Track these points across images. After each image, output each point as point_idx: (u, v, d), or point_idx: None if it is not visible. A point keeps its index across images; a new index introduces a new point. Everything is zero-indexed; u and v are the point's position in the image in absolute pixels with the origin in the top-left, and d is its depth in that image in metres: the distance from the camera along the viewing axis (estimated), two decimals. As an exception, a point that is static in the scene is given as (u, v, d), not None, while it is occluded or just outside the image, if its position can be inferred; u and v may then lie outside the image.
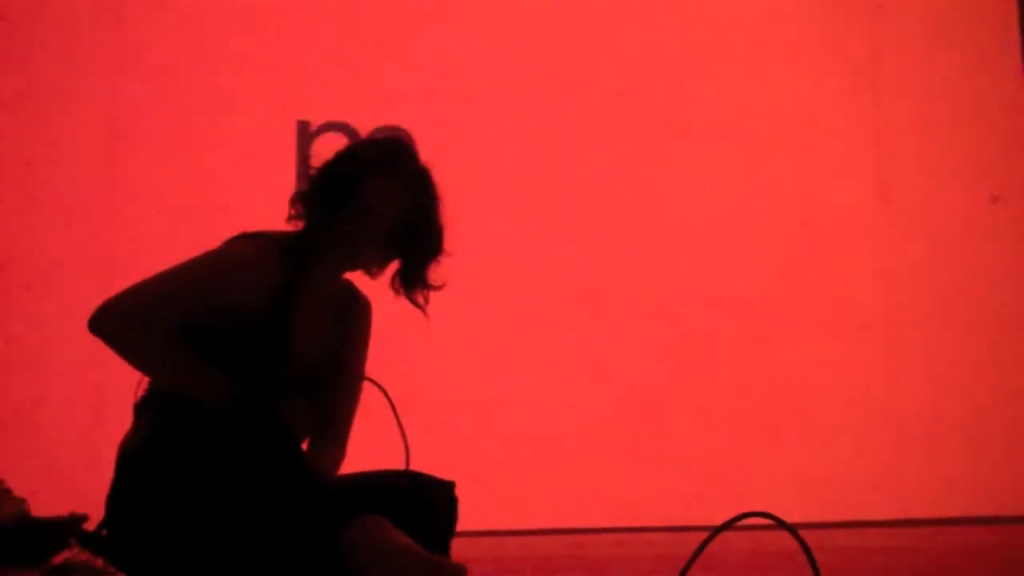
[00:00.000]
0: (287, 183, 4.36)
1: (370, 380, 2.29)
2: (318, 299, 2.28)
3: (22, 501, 2.89)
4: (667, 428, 4.69)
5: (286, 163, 4.67)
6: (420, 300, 2.29)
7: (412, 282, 2.27)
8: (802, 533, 2.09)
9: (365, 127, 4.70)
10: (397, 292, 2.29)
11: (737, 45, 5.05)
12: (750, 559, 3.26)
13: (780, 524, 2.07)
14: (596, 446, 4.61)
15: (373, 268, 2.27)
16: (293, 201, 2.26)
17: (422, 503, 2.11)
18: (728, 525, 2.11)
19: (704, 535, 2.15)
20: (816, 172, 4.99)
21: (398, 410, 2.23)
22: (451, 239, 2.30)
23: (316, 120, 4.73)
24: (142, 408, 2.16)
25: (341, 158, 2.26)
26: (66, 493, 2.48)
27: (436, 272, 2.28)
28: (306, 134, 4.71)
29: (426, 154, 2.28)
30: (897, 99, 5.06)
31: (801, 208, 4.96)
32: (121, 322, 2.06)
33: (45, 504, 2.85)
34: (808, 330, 4.87)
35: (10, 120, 4.56)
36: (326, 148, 2.28)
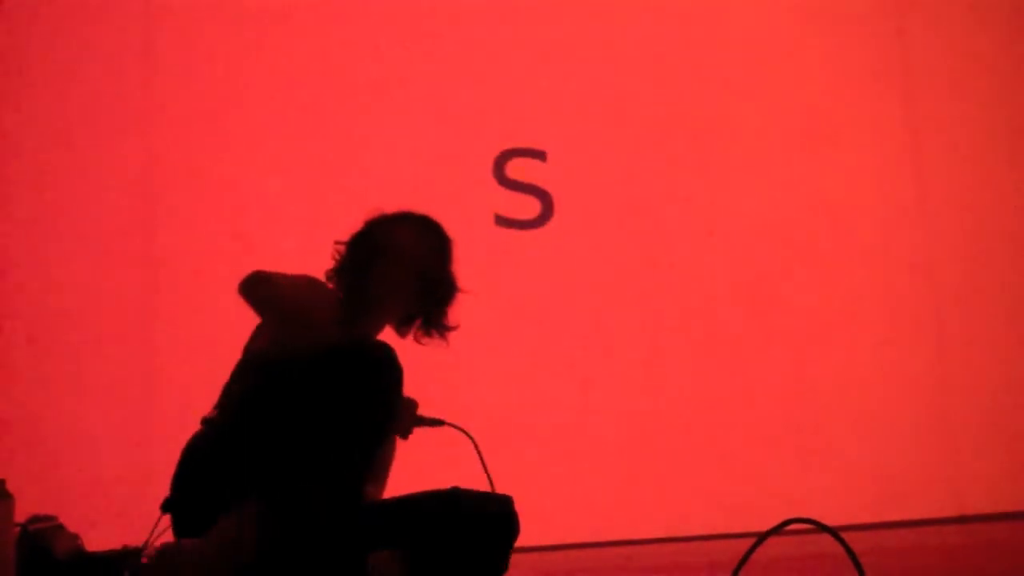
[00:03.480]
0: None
1: (456, 427, 2.36)
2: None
3: (76, 536, 2.94)
4: (711, 433, 4.68)
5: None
6: (442, 339, 2.49)
7: (433, 327, 2.46)
8: (855, 535, 2.09)
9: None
10: (419, 340, 2.48)
11: (766, 45, 5.05)
12: (798, 564, 3.24)
13: (822, 528, 2.07)
14: (636, 456, 4.61)
15: (406, 318, 2.46)
16: (329, 276, 2.45)
17: (482, 519, 2.20)
18: (772, 532, 2.12)
19: (751, 542, 2.16)
20: (852, 171, 4.97)
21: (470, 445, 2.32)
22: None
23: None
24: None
25: (364, 229, 2.48)
26: (119, 528, 2.52)
27: (452, 314, 2.48)
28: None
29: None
30: (930, 90, 5.03)
31: (840, 208, 4.94)
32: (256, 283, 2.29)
33: (99, 539, 2.89)
34: (853, 331, 4.84)
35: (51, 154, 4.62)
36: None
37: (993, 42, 5.09)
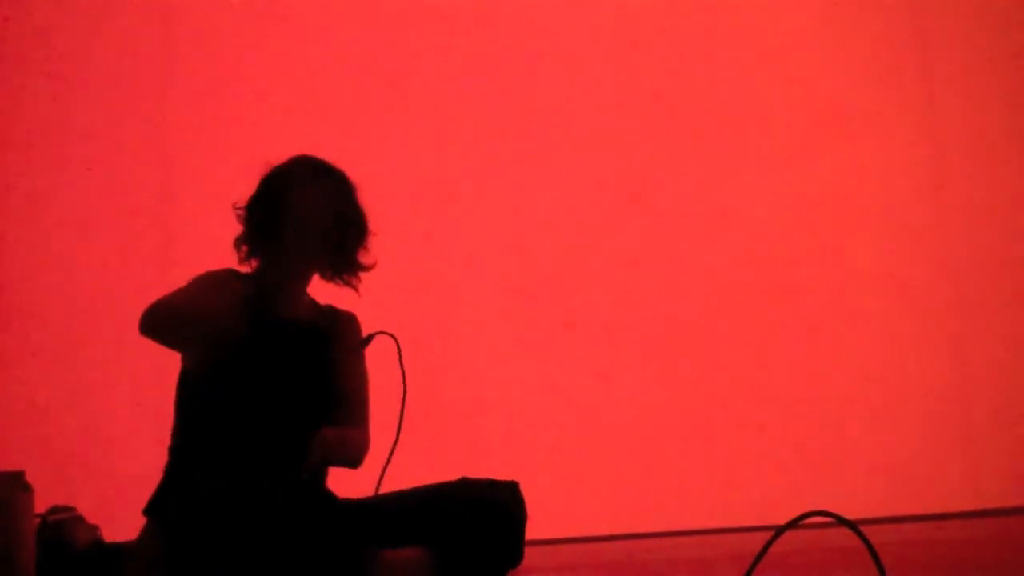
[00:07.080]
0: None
1: (387, 334, 2.35)
2: (293, 325, 2.42)
3: (95, 528, 2.95)
4: (729, 427, 4.67)
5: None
6: (353, 282, 2.46)
7: (345, 268, 2.44)
8: (873, 528, 2.08)
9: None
10: (331, 280, 2.46)
11: (783, 42, 5.03)
12: (816, 557, 3.23)
13: (841, 521, 2.06)
14: (654, 449, 4.61)
15: (327, 271, 2.44)
16: (237, 244, 2.46)
17: (490, 508, 2.17)
18: (791, 525, 2.11)
19: (769, 535, 2.15)
20: (870, 167, 4.95)
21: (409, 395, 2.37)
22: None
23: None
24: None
25: (261, 189, 2.45)
26: (138, 519, 2.53)
27: (366, 255, 2.45)
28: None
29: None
30: (948, 83, 5.01)
31: (858, 203, 4.92)
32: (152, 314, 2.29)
33: (118, 530, 2.90)
34: (871, 325, 4.83)
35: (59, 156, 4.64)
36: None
37: (1013, 37, 5.06)
